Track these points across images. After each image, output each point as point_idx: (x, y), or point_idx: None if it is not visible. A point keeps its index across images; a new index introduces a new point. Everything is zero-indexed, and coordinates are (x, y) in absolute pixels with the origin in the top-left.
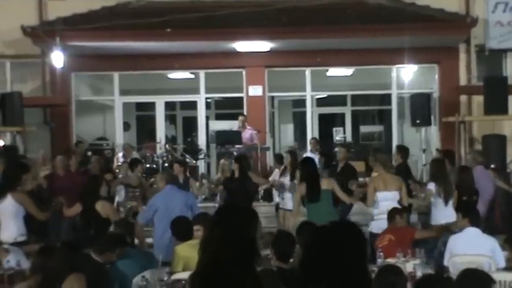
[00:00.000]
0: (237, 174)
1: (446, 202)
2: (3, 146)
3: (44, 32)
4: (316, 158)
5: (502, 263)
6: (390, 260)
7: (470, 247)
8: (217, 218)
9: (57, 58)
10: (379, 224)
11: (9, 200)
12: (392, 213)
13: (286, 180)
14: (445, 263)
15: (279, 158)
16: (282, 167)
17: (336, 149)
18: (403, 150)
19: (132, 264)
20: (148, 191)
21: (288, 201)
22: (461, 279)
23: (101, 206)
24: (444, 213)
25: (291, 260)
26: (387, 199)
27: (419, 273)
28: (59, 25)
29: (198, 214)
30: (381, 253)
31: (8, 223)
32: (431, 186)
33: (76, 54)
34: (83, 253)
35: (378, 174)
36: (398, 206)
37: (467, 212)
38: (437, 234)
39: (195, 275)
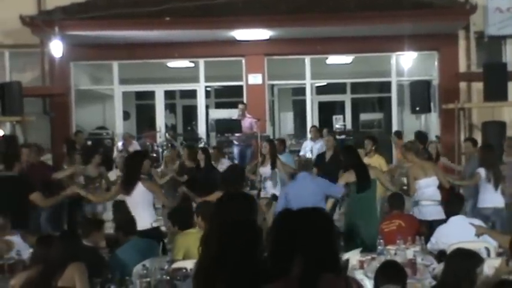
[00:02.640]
0: (202, 165)
1: (496, 187)
2: (3, 135)
3: (42, 22)
4: (316, 145)
5: (493, 242)
6: (390, 247)
7: (460, 235)
8: (216, 209)
9: (56, 48)
10: (428, 210)
11: (139, 188)
12: (399, 201)
13: (267, 169)
14: (429, 246)
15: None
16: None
17: (325, 138)
18: (398, 134)
19: (133, 252)
20: (110, 182)
21: (270, 189)
22: (452, 258)
23: None
24: (493, 197)
25: None
26: (429, 185)
27: (419, 260)
28: (58, 14)
29: (199, 203)
30: (381, 240)
31: (140, 211)
32: (481, 171)
33: (75, 44)
34: (81, 242)
35: (414, 163)
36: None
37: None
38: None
39: (198, 269)
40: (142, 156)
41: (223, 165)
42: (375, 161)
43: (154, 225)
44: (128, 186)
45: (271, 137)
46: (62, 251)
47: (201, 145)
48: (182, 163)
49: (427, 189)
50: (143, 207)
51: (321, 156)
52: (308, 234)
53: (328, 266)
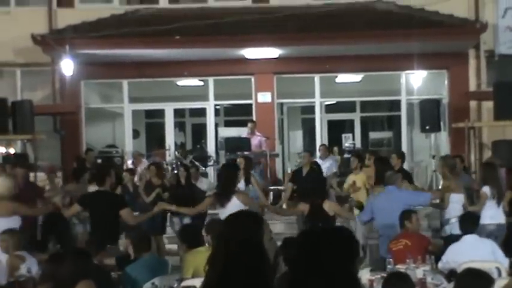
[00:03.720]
0: (183, 182)
1: (498, 204)
2: (14, 154)
3: (53, 40)
4: (325, 164)
5: (505, 262)
6: (400, 266)
7: (472, 254)
8: (222, 229)
9: (67, 66)
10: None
11: (234, 202)
12: (401, 219)
13: (240, 185)
14: (440, 265)
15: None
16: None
17: (302, 154)
18: (402, 155)
19: (143, 269)
20: None
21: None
22: (462, 278)
23: None
24: (496, 214)
25: None
26: (459, 201)
27: (429, 280)
28: (69, 33)
29: (209, 221)
30: (391, 259)
31: None
32: (486, 189)
33: (85, 62)
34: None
35: (450, 178)
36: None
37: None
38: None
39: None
40: (238, 168)
41: (201, 183)
42: (360, 178)
43: None
44: (223, 198)
45: (280, 156)
46: (72, 269)
47: (211, 163)
48: (149, 181)
49: (457, 204)
50: None
51: (298, 171)
52: (327, 255)
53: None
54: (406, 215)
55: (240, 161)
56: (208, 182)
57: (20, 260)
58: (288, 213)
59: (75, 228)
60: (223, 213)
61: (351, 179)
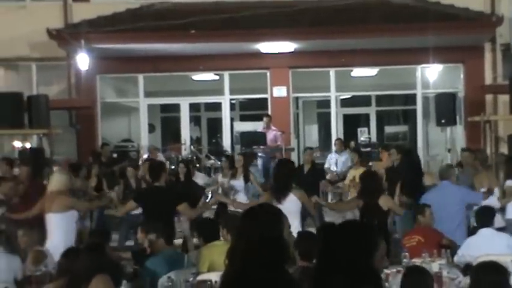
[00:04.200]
0: (182, 178)
1: None
2: (30, 148)
3: (69, 35)
4: (341, 158)
5: None
6: (416, 260)
7: (488, 247)
8: (241, 222)
9: (82, 60)
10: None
11: (291, 198)
12: (422, 208)
13: (239, 182)
14: (455, 259)
15: (231, 160)
16: (226, 170)
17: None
18: (401, 149)
19: (163, 263)
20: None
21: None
22: (478, 271)
23: None
24: None
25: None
26: (493, 195)
27: (445, 274)
28: (84, 28)
29: (224, 215)
30: (407, 253)
31: (293, 221)
32: (510, 183)
33: (101, 57)
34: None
35: (482, 172)
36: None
37: None
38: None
39: (224, 283)
40: (293, 164)
41: (197, 178)
42: (359, 173)
43: None
44: (280, 194)
45: (296, 150)
46: (87, 264)
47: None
48: (143, 177)
49: (490, 199)
50: (294, 217)
51: (299, 167)
52: (344, 249)
53: (365, 280)
54: (420, 208)
55: (239, 159)
56: (203, 176)
57: (43, 256)
58: (344, 208)
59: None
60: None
61: (351, 174)
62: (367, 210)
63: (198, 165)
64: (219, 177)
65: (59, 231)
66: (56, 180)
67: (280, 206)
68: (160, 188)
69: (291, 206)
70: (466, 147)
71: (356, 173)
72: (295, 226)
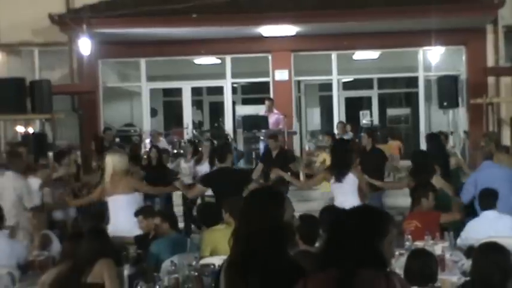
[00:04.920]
0: (154, 163)
1: None
2: (33, 133)
3: (71, 20)
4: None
5: None
6: (418, 243)
7: (491, 230)
8: (243, 205)
9: (85, 45)
10: None
11: (350, 177)
12: (417, 196)
13: (204, 167)
14: (458, 242)
15: (194, 146)
16: (189, 155)
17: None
18: (374, 134)
19: (167, 247)
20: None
21: None
22: (479, 252)
23: None
24: None
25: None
26: None
27: (448, 256)
28: (86, 12)
29: (228, 199)
30: (409, 236)
31: (350, 198)
32: None
33: (103, 41)
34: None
35: (496, 153)
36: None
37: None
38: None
39: (228, 265)
40: (349, 145)
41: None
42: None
43: None
44: (340, 174)
45: (298, 133)
46: (90, 247)
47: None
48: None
49: None
50: (353, 194)
51: (267, 153)
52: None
53: (368, 262)
54: (423, 191)
55: (206, 145)
56: (178, 162)
57: (49, 240)
58: (395, 187)
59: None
60: (340, 187)
61: (322, 156)
62: (421, 189)
63: (200, 148)
64: (182, 162)
65: (124, 214)
66: (119, 162)
67: (339, 185)
68: (227, 169)
69: (349, 185)
70: (451, 131)
71: (327, 156)
72: (352, 204)
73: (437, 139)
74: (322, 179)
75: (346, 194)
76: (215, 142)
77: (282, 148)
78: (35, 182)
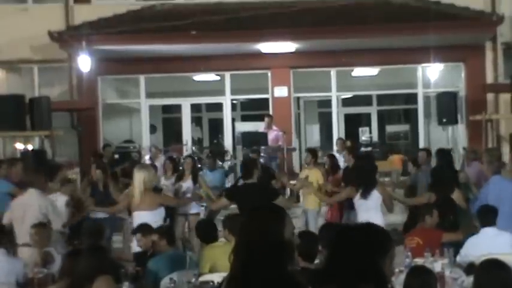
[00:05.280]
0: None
1: None
2: (32, 150)
3: (70, 37)
4: (342, 158)
5: None
6: (418, 260)
7: (491, 247)
8: (244, 221)
9: (84, 62)
10: None
11: (375, 194)
12: (422, 213)
13: (188, 184)
14: (458, 259)
15: (175, 162)
16: (169, 171)
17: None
18: (355, 150)
19: (165, 264)
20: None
21: (193, 205)
22: (481, 269)
23: None
24: None
25: (316, 260)
26: None
27: (447, 273)
28: (85, 29)
29: (226, 216)
30: (409, 253)
31: (373, 215)
32: None
33: (102, 58)
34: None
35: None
36: None
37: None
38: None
39: (229, 280)
40: (374, 159)
41: None
42: (313, 173)
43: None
44: (365, 191)
45: (298, 150)
46: (89, 264)
47: (228, 158)
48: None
49: None
50: (376, 211)
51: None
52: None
53: (368, 279)
54: (428, 209)
55: (188, 162)
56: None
57: (51, 257)
58: (415, 202)
59: None
60: (364, 204)
61: (303, 173)
62: (442, 205)
63: (200, 165)
64: (162, 179)
65: None
66: (148, 177)
67: (364, 202)
68: (253, 185)
69: (373, 201)
70: (423, 147)
71: (309, 172)
72: (375, 221)
73: (448, 155)
74: (346, 195)
75: (369, 210)
76: (196, 158)
77: (262, 165)
78: (60, 198)
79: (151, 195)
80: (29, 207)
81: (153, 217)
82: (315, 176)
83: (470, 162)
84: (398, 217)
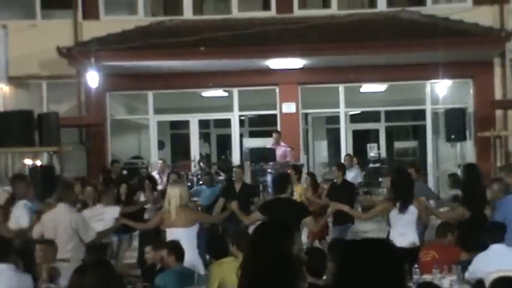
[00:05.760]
0: (123, 198)
1: None
2: (41, 166)
3: (79, 53)
4: (351, 174)
5: None
6: (426, 276)
7: (499, 263)
8: (252, 238)
9: (92, 78)
10: None
11: (411, 209)
12: (445, 230)
13: None
14: (466, 276)
15: (153, 182)
16: (148, 190)
17: (235, 170)
18: (343, 167)
19: (173, 280)
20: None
21: None
22: (495, 286)
23: None
24: None
25: (324, 276)
26: None
27: None
28: (94, 45)
29: (234, 231)
30: (417, 269)
31: (407, 230)
32: None
33: (111, 74)
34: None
35: None
36: None
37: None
38: None
39: None
40: (411, 176)
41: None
42: (297, 189)
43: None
44: (404, 205)
45: (306, 166)
46: (94, 280)
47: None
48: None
49: None
50: (411, 225)
51: (229, 187)
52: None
53: None
54: (450, 227)
55: (123, 186)
56: (147, 196)
57: (57, 273)
58: (451, 218)
59: None
60: (401, 218)
61: (297, 190)
62: (476, 221)
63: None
64: (141, 197)
65: (185, 247)
66: (184, 193)
67: (401, 216)
68: (287, 200)
69: (411, 215)
70: (459, 164)
71: (304, 189)
72: (412, 237)
73: (475, 169)
74: (382, 210)
75: (406, 225)
76: (180, 174)
77: (245, 182)
78: (111, 210)
79: (187, 211)
80: (60, 222)
81: (187, 234)
82: (299, 192)
83: None
84: None
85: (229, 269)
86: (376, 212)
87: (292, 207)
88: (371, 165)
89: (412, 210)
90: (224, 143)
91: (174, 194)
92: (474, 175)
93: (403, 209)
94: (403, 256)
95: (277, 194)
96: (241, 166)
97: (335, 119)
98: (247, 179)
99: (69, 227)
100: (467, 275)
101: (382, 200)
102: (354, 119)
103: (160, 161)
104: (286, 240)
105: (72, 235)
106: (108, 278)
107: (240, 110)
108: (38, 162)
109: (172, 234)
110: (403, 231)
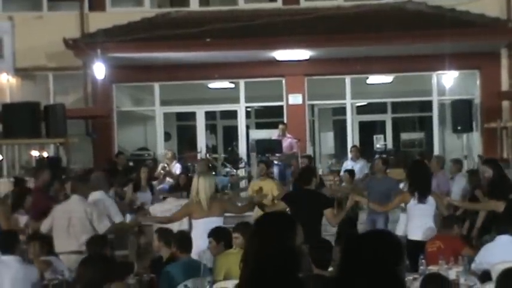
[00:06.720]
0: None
1: None
2: (47, 157)
3: (85, 44)
4: (357, 165)
5: None
6: (432, 268)
7: (505, 254)
8: (254, 228)
9: (99, 70)
10: None
11: (430, 200)
12: (451, 221)
13: (147, 195)
14: (473, 266)
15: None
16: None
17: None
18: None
19: (181, 270)
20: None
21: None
22: (503, 278)
23: None
24: None
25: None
26: None
27: (462, 281)
28: (100, 37)
29: (239, 222)
30: (423, 260)
31: (428, 221)
32: None
33: (117, 66)
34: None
35: None
36: None
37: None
38: None
39: (239, 286)
40: (427, 166)
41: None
42: (267, 184)
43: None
44: (423, 196)
45: (312, 157)
46: (95, 272)
47: (242, 165)
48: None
49: None
50: (430, 217)
51: None
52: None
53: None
54: (457, 219)
55: (143, 170)
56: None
57: (46, 265)
58: (484, 209)
59: None
60: (419, 209)
61: (256, 184)
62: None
63: (214, 172)
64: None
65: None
66: (210, 183)
67: (420, 206)
68: (310, 192)
69: (430, 206)
70: (465, 155)
71: (262, 184)
72: (432, 228)
73: (498, 164)
74: (400, 201)
75: (425, 216)
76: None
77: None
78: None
79: (218, 201)
80: (74, 214)
81: (220, 223)
82: (269, 187)
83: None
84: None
85: (234, 259)
86: (394, 204)
87: (317, 199)
88: (377, 156)
89: (431, 201)
90: (230, 134)
91: (203, 184)
92: (499, 168)
93: (422, 200)
94: (403, 248)
95: (302, 185)
96: (263, 161)
97: (341, 111)
98: (253, 171)
99: (85, 217)
100: (473, 265)
101: (400, 191)
102: (360, 110)
103: (169, 152)
104: (288, 231)
105: (87, 226)
106: (108, 269)
107: (247, 101)
108: (45, 154)
109: (206, 224)
110: (421, 223)
